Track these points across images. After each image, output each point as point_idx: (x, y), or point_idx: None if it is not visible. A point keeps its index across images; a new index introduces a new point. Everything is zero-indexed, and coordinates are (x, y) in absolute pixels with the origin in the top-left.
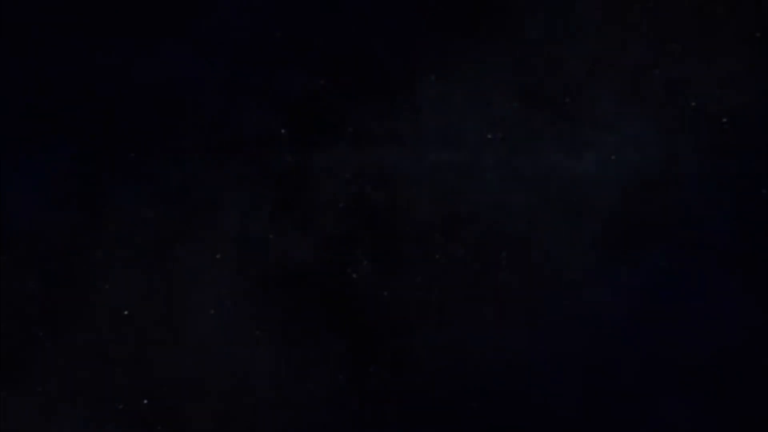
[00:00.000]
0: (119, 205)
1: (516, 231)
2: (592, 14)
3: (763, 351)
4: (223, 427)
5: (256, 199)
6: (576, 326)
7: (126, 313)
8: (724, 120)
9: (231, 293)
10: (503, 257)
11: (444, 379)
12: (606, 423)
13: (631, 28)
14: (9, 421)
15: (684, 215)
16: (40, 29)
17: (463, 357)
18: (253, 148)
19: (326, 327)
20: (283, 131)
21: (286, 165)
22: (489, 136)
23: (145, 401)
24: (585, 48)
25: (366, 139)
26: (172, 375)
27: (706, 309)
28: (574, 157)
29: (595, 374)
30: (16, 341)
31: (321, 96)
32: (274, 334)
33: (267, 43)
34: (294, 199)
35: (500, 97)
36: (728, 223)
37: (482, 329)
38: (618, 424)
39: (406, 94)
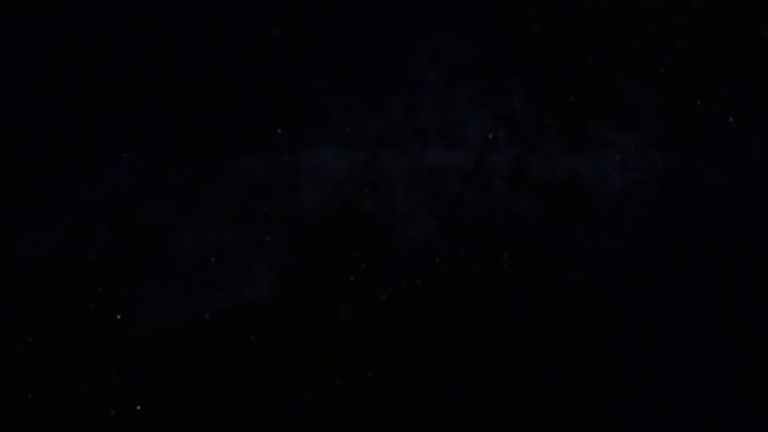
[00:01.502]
0: (110, 205)
1: (517, 232)
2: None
3: None
4: (222, 429)
5: (252, 198)
6: (575, 327)
7: (118, 317)
8: (731, 119)
9: (226, 295)
10: (504, 259)
11: (443, 380)
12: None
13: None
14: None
15: (689, 216)
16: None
17: (462, 358)
18: (250, 147)
19: (324, 329)
20: (279, 131)
21: (283, 164)
22: (489, 136)
23: (138, 407)
24: (586, 48)
25: (365, 139)
26: (171, 378)
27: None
28: (575, 157)
29: (599, 377)
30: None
31: (318, 95)
32: (272, 335)
33: (265, 43)
34: (291, 200)
35: (500, 97)
36: (731, 223)
37: (482, 330)
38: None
39: (404, 94)
